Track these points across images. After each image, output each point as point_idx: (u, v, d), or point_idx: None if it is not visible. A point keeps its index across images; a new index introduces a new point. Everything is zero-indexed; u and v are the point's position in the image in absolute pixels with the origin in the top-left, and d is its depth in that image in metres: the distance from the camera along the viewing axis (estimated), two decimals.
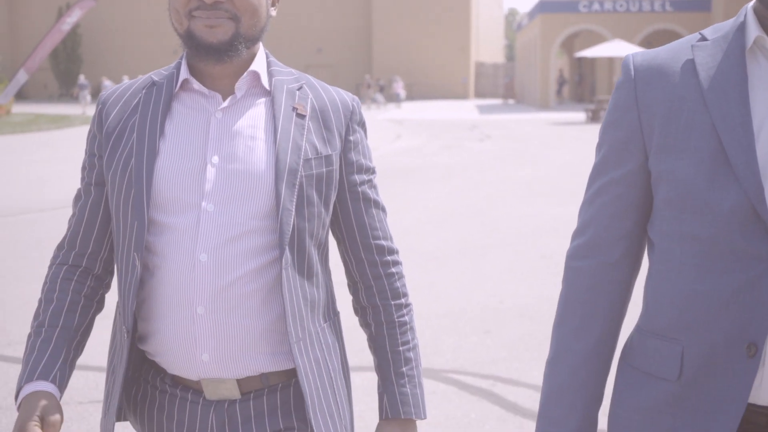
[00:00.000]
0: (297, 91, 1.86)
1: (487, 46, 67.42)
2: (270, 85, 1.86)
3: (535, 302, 6.75)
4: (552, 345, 1.75)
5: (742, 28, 1.56)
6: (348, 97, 1.92)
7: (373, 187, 1.95)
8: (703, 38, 1.60)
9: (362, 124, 1.94)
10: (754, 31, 1.53)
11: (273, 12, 1.87)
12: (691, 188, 1.52)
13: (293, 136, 1.80)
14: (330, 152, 1.84)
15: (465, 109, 41.15)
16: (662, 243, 1.61)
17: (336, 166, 1.85)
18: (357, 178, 1.90)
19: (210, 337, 1.76)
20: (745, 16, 1.57)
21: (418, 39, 56.61)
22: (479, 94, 59.82)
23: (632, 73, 1.63)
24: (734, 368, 1.51)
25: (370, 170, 1.95)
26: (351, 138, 1.89)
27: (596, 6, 41.72)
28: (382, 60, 56.76)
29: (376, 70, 55.95)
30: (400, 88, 46.00)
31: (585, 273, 1.70)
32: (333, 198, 1.88)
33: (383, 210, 1.98)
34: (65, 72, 57.02)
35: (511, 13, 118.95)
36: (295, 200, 1.77)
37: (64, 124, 29.21)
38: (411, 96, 55.88)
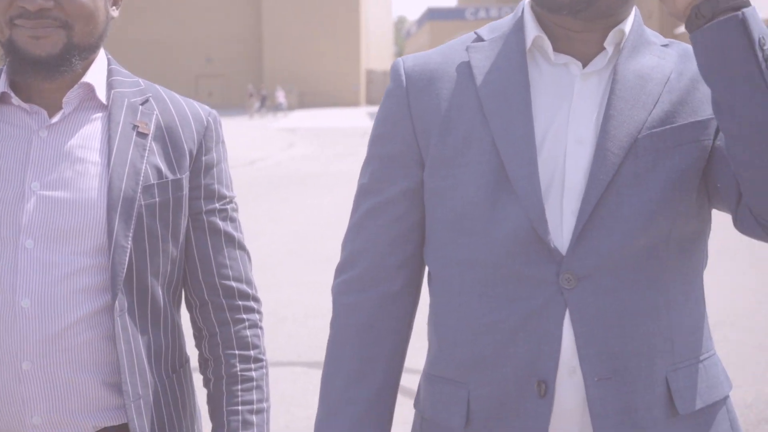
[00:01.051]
0: (140, 106, 1.60)
1: (377, 53, 68.03)
2: (108, 98, 1.58)
3: None
4: (323, 401, 1.49)
5: (520, 27, 1.41)
6: (203, 111, 1.67)
7: (228, 219, 1.68)
8: (479, 38, 1.45)
9: (220, 143, 1.68)
10: (532, 30, 1.39)
11: (114, 13, 1.60)
12: (470, 207, 1.37)
13: (132, 158, 1.53)
14: (179, 176, 1.59)
15: (357, 117, 41.50)
16: (441, 271, 1.43)
17: (187, 191, 1.61)
18: (203, 204, 1.63)
19: (40, 397, 1.49)
20: (523, 12, 1.43)
21: (308, 47, 56.75)
22: (370, 101, 60.29)
23: (403, 79, 1.44)
24: (526, 410, 1.36)
25: (224, 198, 1.67)
26: (203, 158, 1.63)
27: (482, 13, 42.70)
28: (273, 69, 56.68)
29: (268, 79, 55.84)
30: (282, 97, 46.19)
31: (361, 309, 1.48)
32: (184, 228, 1.63)
33: (241, 247, 1.70)
34: None
35: (400, 21, 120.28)
36: (131, 234, 1.51)
37: None
38: (303, 104, 55.95)
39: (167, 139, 1.60)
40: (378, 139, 1.48)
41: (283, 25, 56.22)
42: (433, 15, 44.20)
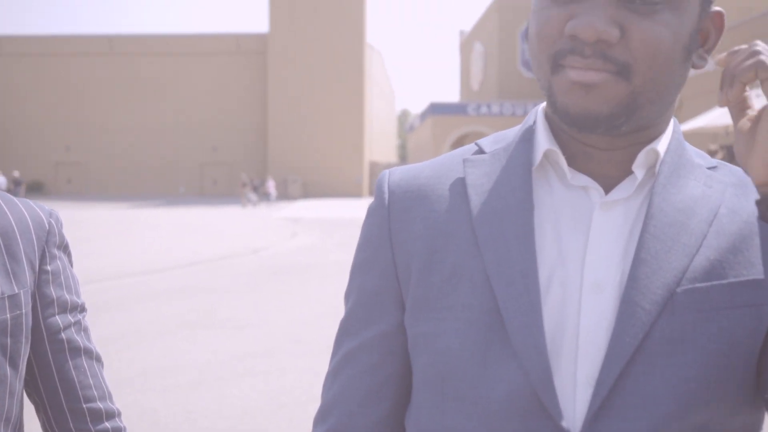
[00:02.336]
0: None
1: (380, 145, 69.02)
2: None
3: None
4: None
5: (529, 138, 1.14)
6: (44, 212, 1.45)
7: (83, 330, 1.48)
8: (480, 150, 1.18)
9: (63, 248, 1.48)
10: (544, 142, 1.11)
11: None
12: (455, 363, 1.07)
13: None
14: (17, 290, 1.36)
15: (359, 208, 41.90)
16: None
17: (28, 308, 1.38)
18: (60, 320, 1.43)
19: None
20: (535, 122, 1.16)
21: (313, 138, 57.60)
22: (373, 193, 60.76)
23: (386, 197, 1.19)
24: None
25: (77, 308, 1.47)
26: (48, 267, 1.42)
27: (483, 109, 43.56)
28: (277, 159, 57.43)
29: (272, 169, 56.53)
30: (272, 187, 46.78)
31: None
32: (25, 352, 1.38)
33: (98, 360, 1.50)
34: None
35: (404, 114, 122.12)
36: None
37: None
38: (307, 194, 56.54)
39: (3, 248, 1.38)
40: (358, 267, 1.21)
41: (289, 116, 57.18)
42: (435, 110, 45.09)
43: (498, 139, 1.19)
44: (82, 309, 1.49)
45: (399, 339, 1.17)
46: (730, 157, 14.06)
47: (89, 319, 9.67)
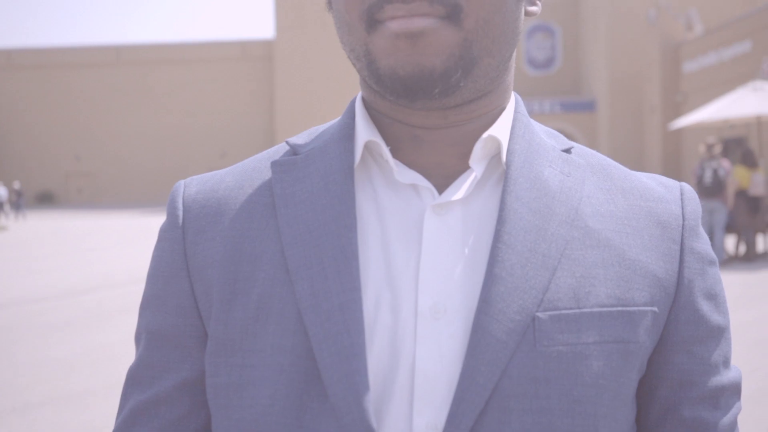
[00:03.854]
0: None
1: None
2: None
3: None
4: None
5: (348, 134, 0.92)
6: None
7: None
8: (293, 151, 0.94)
9: None
10: (364, 134, 0.89)
11: None
12: (265, 422, 0.84)
13: None
14: None
15: None
16: None
17: None
18: None
19: None
20: (354, 113, 0.93)
21: None
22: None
23: (180, 214, 0.94)
24: None
25: None
26: None
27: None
28: None
29: None
30: None
31: None
32: None
33: None
34: None
35: None
36: None
37: None
38: None
39: None
40: (148, 303, 0.96)
41: (296, 121, 57.51)
42: None
43: (313, 135, 0.97)
44: None
45: (202, 394, 0.94)
46: (732, 150, 14.23)
47: (112, 323, 9.96)
